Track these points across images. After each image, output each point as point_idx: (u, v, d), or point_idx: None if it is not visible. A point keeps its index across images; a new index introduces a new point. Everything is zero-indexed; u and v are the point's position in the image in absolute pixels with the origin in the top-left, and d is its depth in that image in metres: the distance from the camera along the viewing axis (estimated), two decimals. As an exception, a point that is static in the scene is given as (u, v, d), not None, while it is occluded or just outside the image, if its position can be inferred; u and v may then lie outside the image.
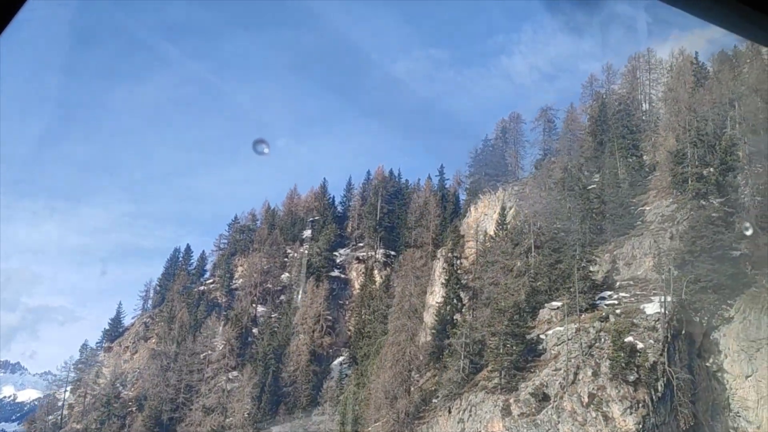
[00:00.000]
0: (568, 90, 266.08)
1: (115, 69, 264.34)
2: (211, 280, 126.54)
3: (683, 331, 56.68)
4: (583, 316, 56.88)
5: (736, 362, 57.94)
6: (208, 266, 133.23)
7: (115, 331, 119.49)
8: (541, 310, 62.20)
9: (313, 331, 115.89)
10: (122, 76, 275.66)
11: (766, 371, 57.16)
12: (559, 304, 60.52)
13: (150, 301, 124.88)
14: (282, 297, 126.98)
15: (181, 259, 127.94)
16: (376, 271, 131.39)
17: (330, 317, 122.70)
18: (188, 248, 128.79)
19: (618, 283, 61.68)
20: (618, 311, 56.09)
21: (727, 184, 63.75)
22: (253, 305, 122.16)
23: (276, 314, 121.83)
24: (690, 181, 63.35)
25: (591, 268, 61.29)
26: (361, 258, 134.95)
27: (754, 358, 57.57)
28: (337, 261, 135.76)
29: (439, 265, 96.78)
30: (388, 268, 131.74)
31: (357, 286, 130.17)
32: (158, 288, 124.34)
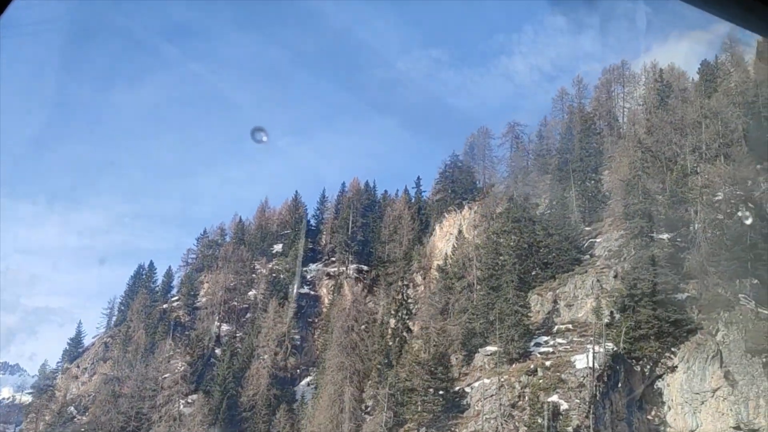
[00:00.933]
0: (570, 89, 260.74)
1: (114, 69, 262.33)
2: (176, 298, 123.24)
3: (621, 383, 52.63)
4: (513, 366, 52.88)
5: (679, 415, 53.89)
6: (176, 282, 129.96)
7: (75, 350, 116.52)
8: (476, 355, 58.27)
9: (276, 353, 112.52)
10: (121, 75, 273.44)
11: (712, 426, 53.06)
12: (493, 349, 56.53)
13: (114, 319, 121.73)
14: (249, 315, 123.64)
15: (144, 275, 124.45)
16: (347, 288, 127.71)
17: (298, 336, 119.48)
18: (151, 264, 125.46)
19: (557, 327, 57.59)
20: (549, 363, 52.00)
21: (678, 218, 59.48)
22: (218, 325, 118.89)
23: (241, 334, 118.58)
24: (637, 217, 59.06)
25: (526, 312, 57.20)
26: (331, 274, 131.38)
27: (699, 411, 53.51)
28: (308, 277, 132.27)
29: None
30: (360, 284, 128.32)
31: (327, 302, 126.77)
32: (121, 306, 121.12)
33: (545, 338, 56.25)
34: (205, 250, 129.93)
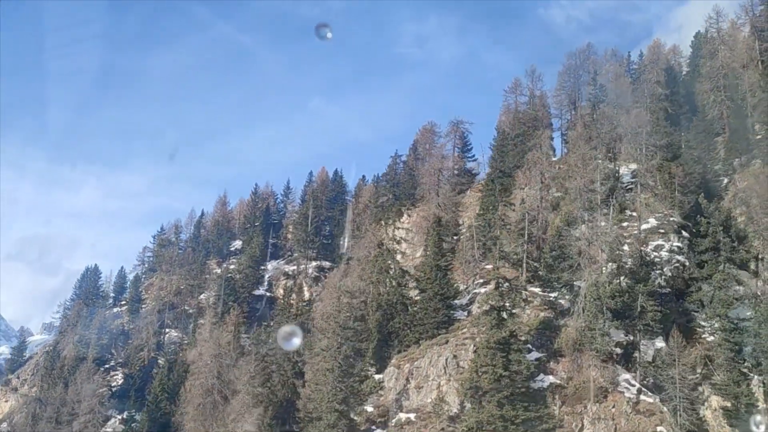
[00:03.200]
0: (608, 42, 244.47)
1: (147, 33, 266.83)
2: (123, 302, 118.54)
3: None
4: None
5: None
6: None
7: (18, 359, 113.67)
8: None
9: (220, 364, 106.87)
10: (155, 40, 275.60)
11: None
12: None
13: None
14: (200, 321, 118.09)
15: (89, 278, 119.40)
16: (306, 288, 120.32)
17: (250, 345, 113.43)
18: (96, 268, 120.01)
19: (397, 417, 48.23)
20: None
21: (554, 279, 48.88)
22: (165, 332, 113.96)
23: (188, 341, 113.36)
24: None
25: (370, 390, 48.31)
26: (289, 273, 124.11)
27: None
28: (266, 276, 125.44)
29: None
30: (320, 284, 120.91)
31: (283, 305, 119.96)
32: (66, 312, 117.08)
33: None
34: (159, 249, 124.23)
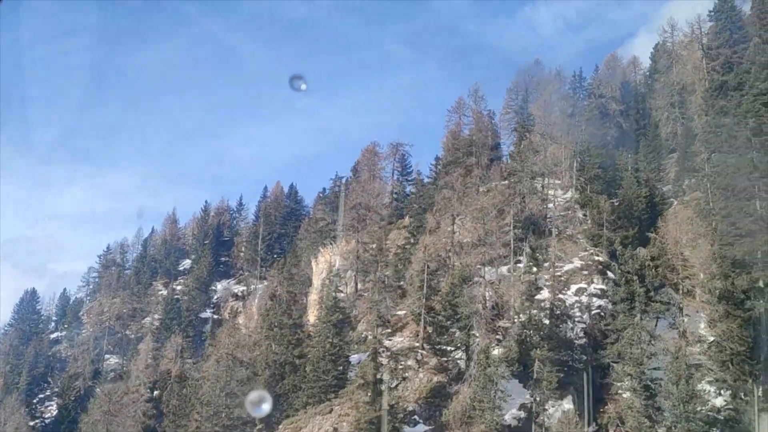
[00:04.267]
0: (596, 40, 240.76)
1: (135, 30, 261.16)
2: (65, 325, 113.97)
3: None
4: None
5: None
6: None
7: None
8: None
9: (153, 394, 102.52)
10: (142, 37, 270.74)
11: None
12: None
13: None
14: (142, 346, 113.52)
15: (27, 303, 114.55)
16: (254, 309, 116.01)
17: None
18: (34, 292, 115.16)
19: None
20: None
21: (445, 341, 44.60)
22: (104, 359, 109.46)
23: (128, 369, 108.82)
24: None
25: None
26: (238, 293, 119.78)
27: None
28: (214, 297, 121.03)
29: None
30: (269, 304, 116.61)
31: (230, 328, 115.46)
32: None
33: None
34: (103, 271, 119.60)
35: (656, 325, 47.47)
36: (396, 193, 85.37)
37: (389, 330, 52.01)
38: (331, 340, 48.85)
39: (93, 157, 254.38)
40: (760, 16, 73.18)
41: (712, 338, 47.05)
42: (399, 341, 49.25)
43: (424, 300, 47.03)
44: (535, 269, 52.22)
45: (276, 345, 52.57)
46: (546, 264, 54.61)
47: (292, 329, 54.07)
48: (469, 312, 44.60)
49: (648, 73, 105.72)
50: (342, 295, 66.04)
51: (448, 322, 45.50)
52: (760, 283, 49.96)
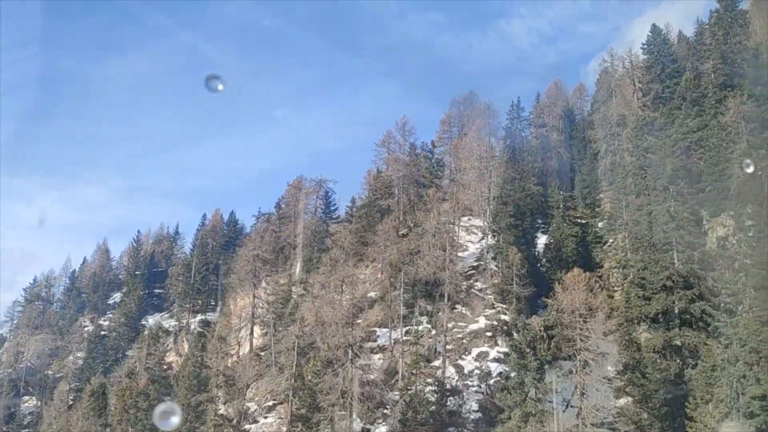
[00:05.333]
0: (571, 51, 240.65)
1: (101, 40, 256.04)
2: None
3: None
4: None
5: None
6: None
7: None
8: None
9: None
10: (109, 47, 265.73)
11: None
12: None
13: None
14: (69, 387, 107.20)
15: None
16: (186, 345, 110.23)
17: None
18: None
19: None
20: None
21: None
22: (21, 401, 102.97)
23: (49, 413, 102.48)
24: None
25: None
26: (169, 329, 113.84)
27: None
28: (144, 333, 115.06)
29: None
30: (204, 339, 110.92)
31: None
32: None
33: None
34: (27, 306, 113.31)
35: (554, 402, 42.92)
36: (319, 232, 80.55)
37: (273, 402, 47.07)
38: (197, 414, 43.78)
39: (62, 168, 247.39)
40: (690, 50, 69.95)
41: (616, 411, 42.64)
42: (270, 422, 44.24)
43: (293, 381, 42.17)
44: (433, 332, 47.59)
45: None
46: (451, 324, 50.15)
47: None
48: (333, 400, 39.75)
49: (593, 101, 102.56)
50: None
51: (310, 412, 40.52)
52: (677, 341, 46.34)
